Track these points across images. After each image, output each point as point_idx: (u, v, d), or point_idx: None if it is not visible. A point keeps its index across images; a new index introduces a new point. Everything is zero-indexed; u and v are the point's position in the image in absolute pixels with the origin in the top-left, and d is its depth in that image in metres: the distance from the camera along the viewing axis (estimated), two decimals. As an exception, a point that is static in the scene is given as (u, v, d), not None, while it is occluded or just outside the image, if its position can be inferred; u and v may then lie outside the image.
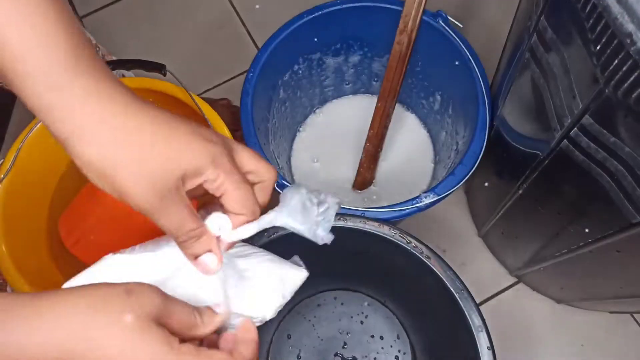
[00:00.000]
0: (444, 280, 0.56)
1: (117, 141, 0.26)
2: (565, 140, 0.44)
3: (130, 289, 0.26)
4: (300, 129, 0.88)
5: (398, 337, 0.80)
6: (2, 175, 0.65)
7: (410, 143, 0.86)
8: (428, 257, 0.57)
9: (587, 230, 0.50)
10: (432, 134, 0.85)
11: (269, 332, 0.80)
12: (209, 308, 0.30)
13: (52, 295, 0.25)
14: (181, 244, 0.29)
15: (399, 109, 0.88)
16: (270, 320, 0.82)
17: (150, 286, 0.27)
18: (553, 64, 0.42)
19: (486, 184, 0.72)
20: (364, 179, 0.83)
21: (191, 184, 0.28)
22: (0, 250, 0.61)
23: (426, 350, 0.77)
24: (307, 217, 0.32)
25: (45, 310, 0.24)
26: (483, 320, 0.55)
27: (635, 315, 0.82)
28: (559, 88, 0.42)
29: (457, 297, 0.56)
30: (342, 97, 0.90)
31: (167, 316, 0.26)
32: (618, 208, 0.42)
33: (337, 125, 0.88)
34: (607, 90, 0.35)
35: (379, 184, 0.84)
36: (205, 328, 0.28)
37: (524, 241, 0.69)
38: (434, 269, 0.57)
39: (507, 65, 0.57)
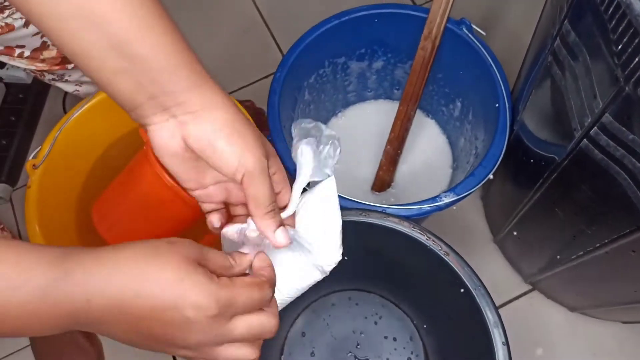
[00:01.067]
0: (462, 276, 0.58)
1: (224, 125, 0.33)
2: (585, 139, 0.46)
3: (172, 241, 0.30)
4: (322, 131, 0.91)
5: (411, 339, 0.81)
6: (39, 162, 0.68)
7: (429, 148, 0.88)
8: (446, 254, 0.59)
9: (603, 230, 0.51)
10: (452, 140, 0.87)
11: (284, 328, 0.82)
12: (239, 252, 0.34)
13: (110, 248, 0.29)
14: (267, 214, 0.34)
15: (419, 115, 0.90)
16: (286, 317, 0.84)
17: (187, 239, 0.31)
18: (575, 65, 0.44)
19: (503, 192, 0.74)
20: (382, 181, 0.85)
21: (272, 166, 0.36)
22: (34, 230, 0.64)
23: (439, 352, 0.78)
24: (318, 164, 0.37)
25: (105, 260, 0.28)
26: (498, 315, 0.56)
27: (648, 325, 0.82)
28: (580, 88, 0.44)
29: (474, 293, 0.57)
30: (364, 101, 0.92)
31: (206, 259, 0.30)
32: (635, 206, 0.44)
33: (358, 128, 0.90)
34: (627, 89, 0.37)
35: (397, 186, 0.86)
36: (237, 268, 0.33)
37: (539, 245, 0.70)
38: (452, 265, 0.58)
39: (529, 69, 0.59)
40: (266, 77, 1.07)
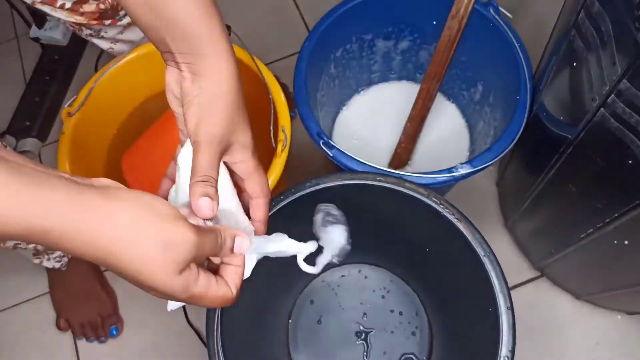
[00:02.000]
0: (472, 243, 0.60)
1: (210, 97, 0.37)
2: (602, 108, 0.47)
3: (167, 244, 0.29)
4: (344, 107, 0.93)
5: (417, 314, 0.83)
6: (74, 110, 0.71)
7: (447, 130, 0.89)
8: (459, 220, 0.61)
9: (614, 204, 0.53)
10: (470, 123, 0.89)
11: (294, 295, 0.84)
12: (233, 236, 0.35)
13: (114, 200, 0.28)
14: (197, 182, 0.35)
15: (440, 98, 0.92)
16: (296, 285, 0.86)
17: (186, 232, 0.30)
18: (597, 35, 0.45)
19: (519, 173, 0.75)
20: (400, 159, 0.87)
21: (238, 154, 0.39)
22: (64, 169, 0.67)
23: (443, 329, 0.79)
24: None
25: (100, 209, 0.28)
26: (505, 283, 0.58)
27: (653, 318, 0.83)
28: (600, 57, 0.46)
29: (483, 260, 0.59)
30: (387, 81, 0.94)
31: (200, 251, 0.31)
32: (647, 175, 0.45)
33: (379, 106, 0.93)
34: (646, 51, 0.39)
35: (414, 165, 0.88)
36: (225, 252, 0.34)
37: (550, 226, 0.72)
38: (463, 232, 0.60)
39: (553, 48, 0.60)
40: (292, 55, 1.09)
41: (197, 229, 0.31)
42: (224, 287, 0.34)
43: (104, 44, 0.80)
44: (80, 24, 0.73)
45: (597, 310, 0.84)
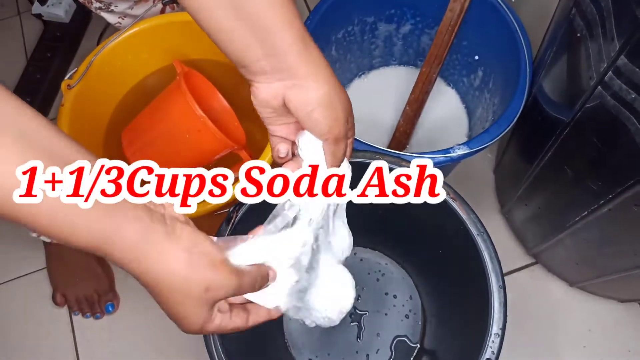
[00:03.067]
0: (466, 222, 0.60)
1: (322, 98, 0.38)
2: (599, 86, 0.47)
3: (208, 286, 0.33)
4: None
5: (411, 298, 0.83)
6: (74, 83, 0.72)
7: (446, 115, 0.90)
8: (454, 199, 0.61)
9: (608, 184, 0.53)
10: (470, 109, 0.89)
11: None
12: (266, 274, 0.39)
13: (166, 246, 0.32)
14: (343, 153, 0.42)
15: (440, 83, 0.92)
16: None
17: (228, 278, 0.34)
18: (597, 12, 0.46)
19: (516, 158, 0.75)
20: (398, 143, 0.87)
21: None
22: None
23: (436, 313, 0.80)
24: None
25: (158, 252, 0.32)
26: (498, 262, 0.59)
27: (645, 306, 0.84)
28: (599, 35, 0.46)
29: (476, 239, 0.60)
30: (388, 66, 0.94)
31: (239, 291, 0.36)
32: (641, 153, 0.46)
33: (379, 91, 0.93)
34: (643, 26, 0.39)
35: (412, 150, 0.88)
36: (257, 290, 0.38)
37: (546, 209, 0.72)
38: (458, 211, 0.60)
39: (553, 31, 0.61)
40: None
41: (238, 272, 0.35)
42: (237, 321, 0.38)
43: (112, 18, 0.79)
44: None
45: (591, 297, 0.85)
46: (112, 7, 0.76)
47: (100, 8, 0.76)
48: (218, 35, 0.36)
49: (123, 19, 0.79)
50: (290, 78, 0.37)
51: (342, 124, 0.39)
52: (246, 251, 0.38)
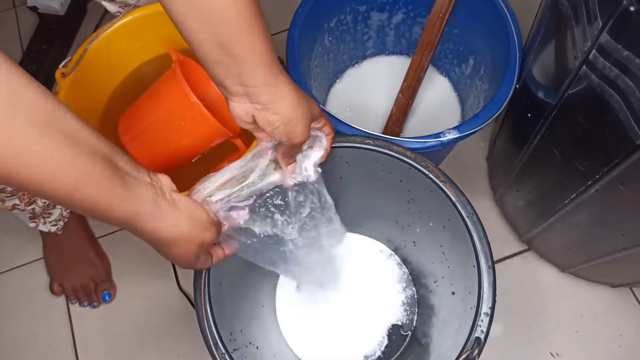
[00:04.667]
0: (456, 204, 0.61)
1: (284, 117, 0.47)
2: (584, 66, 0.48)
3: (202, 242, 0.46)
4: (337, 80, 0.94)
5: (406, 285, 0.84)
6: (68, 70, 0.72)
7: (439, 104, 0.90)
8: (444, 182, 0.62)
9: (595, 165, 0.54)
10: (462, 98, 0.90)
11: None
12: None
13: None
14: (287, 158, 0.53)
15: (432, 72, 0.93)
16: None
17: (214, 235, 0.47)
18: (581, -8, 0.46)
19: (507, 144, 0.76)
20: (391, 131, 0.88)
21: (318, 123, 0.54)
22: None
23: (428, 299, 0.80)
24: None
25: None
26: (487, 242, 0.59)
27: (635, 290, 0.84)
28: (583, 15, 0.46)
29: (466, 220, 0.60)
30: (381, 55, 0.95)
31: (215, 240, 0.49)
32: (625, 131, 0.46)
33: (372, 80, 0.93)
34: (624, 2, 0.40)
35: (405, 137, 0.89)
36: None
37: (536, 194, 0.73)
38: (448, 193, 0.61)
39: (541, 14, 0.61)
40: (283, 31, 1.10)
41: (218, 228, 0.49)
42: (209, 259, 0.52)
43: (112, 7, 0.79)
44: None
45: (582, 282, 0.86)
46: None
47: None
48: (204, 61, 0.44)
49: (123, 9, 0.79)
50: (259, 103, 0.45)
51: (300, 135, 0.48)
52: (211, 185, 0.50)
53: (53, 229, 0.88)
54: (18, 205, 0.78)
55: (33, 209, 0.81)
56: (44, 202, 0.83)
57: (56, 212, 0.87)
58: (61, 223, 0.89)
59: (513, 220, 0.87)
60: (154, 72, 0.78)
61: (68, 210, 0.91)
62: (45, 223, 0.87)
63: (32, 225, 0.86)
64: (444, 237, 0.68)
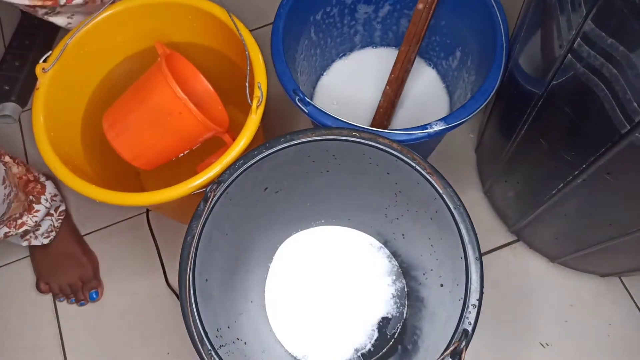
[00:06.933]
0: (443, 195, 0.60)
1: None
2: (569, 55, 0.48)
3: None
4: (325, 73, 0.93)
5: (395, 278, 0.84)
6: (49, 65, 0.71)
7: (427, 95, 0.90)
8: (431, 174, 0.61)
9: (581, 154, 0.54)
10: (450, 90, 0.90)
11: (269, 258, 0.84)
12: None
13: None
14: None
15: (420, 63, 0.92)
16: (267, 249, 0.85)
17: None
18: (565, -20, 0.46)
19: (494, 135, 0.76)
20: (379, 124, 0.87)
21: None
22: (38, 122, 0.67)
23: (417, 291, 0.80)
24: None
25: None
26: (475, 234, 0.59)
27: (623, 279, 0.85)
28: (567, 2, 0.46)
29: (453, 212, 0.60)
30: (368, 47, 0.94)
31: None
32: (610, 120, 0.46)
33: (360, 72, 0.93)
34: (607, -12, 0.39)
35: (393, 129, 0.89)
36: None
37: (524, 185, 0.73)
38: (435, 185, 0.61)
39: (527, 4, 0.61)
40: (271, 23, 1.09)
41: None
42: None
43: (60, 21, 0.76)
44: (35, 6, 0.70)
45: (572, 272, 0.86)
46: (58, 9, 0.73)
47: (46, 13, 0.73)
48: None
49: (72, 17, 0.76)
50: None
51: None
52: None
53: (46, 241, 0.88)
54: (8, 232, 0.78)
55: (25, 230, 0.81)
56: (34, 221, 0.82)
57: (46, 224, 0.86)
58: (53, 234, 0.88)
59: (502, 211, 0.87)
60: (140, 67, 0.77)
61: (59, 220, 0.90)
62: (37, 237, 0.86)
63: (25, 244, 0.86)
64: (432, 230, 0.68)
